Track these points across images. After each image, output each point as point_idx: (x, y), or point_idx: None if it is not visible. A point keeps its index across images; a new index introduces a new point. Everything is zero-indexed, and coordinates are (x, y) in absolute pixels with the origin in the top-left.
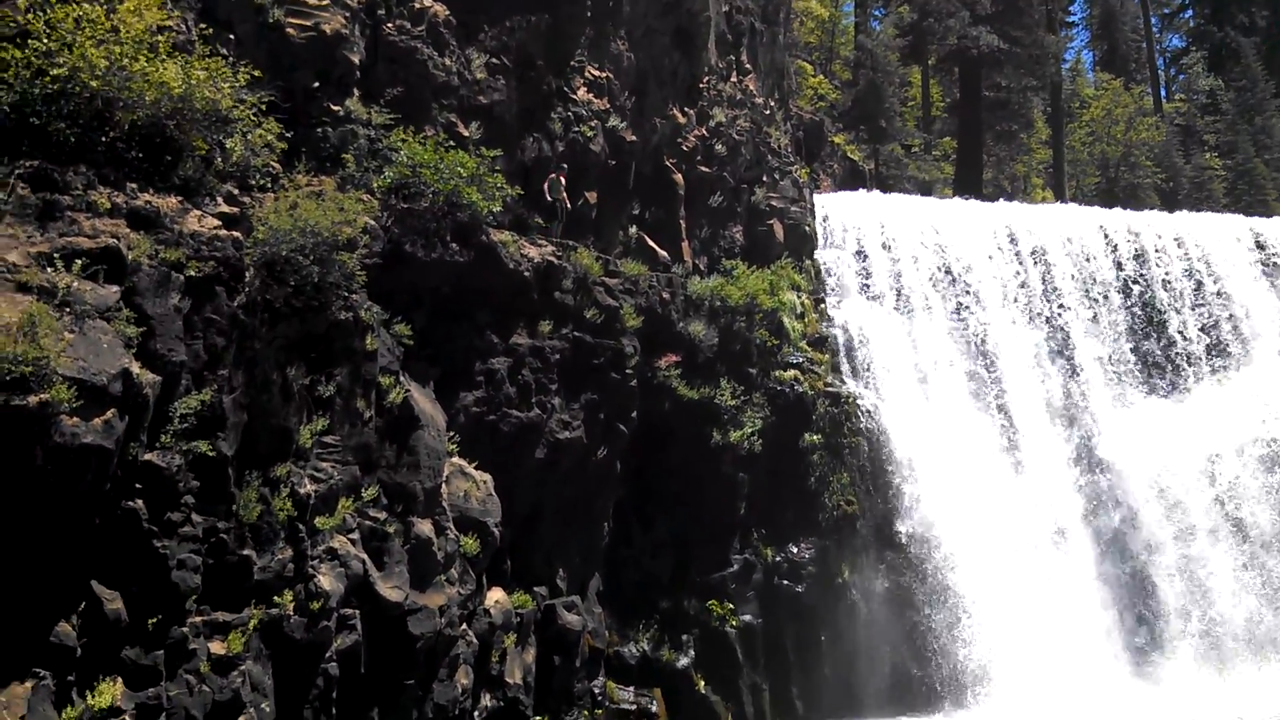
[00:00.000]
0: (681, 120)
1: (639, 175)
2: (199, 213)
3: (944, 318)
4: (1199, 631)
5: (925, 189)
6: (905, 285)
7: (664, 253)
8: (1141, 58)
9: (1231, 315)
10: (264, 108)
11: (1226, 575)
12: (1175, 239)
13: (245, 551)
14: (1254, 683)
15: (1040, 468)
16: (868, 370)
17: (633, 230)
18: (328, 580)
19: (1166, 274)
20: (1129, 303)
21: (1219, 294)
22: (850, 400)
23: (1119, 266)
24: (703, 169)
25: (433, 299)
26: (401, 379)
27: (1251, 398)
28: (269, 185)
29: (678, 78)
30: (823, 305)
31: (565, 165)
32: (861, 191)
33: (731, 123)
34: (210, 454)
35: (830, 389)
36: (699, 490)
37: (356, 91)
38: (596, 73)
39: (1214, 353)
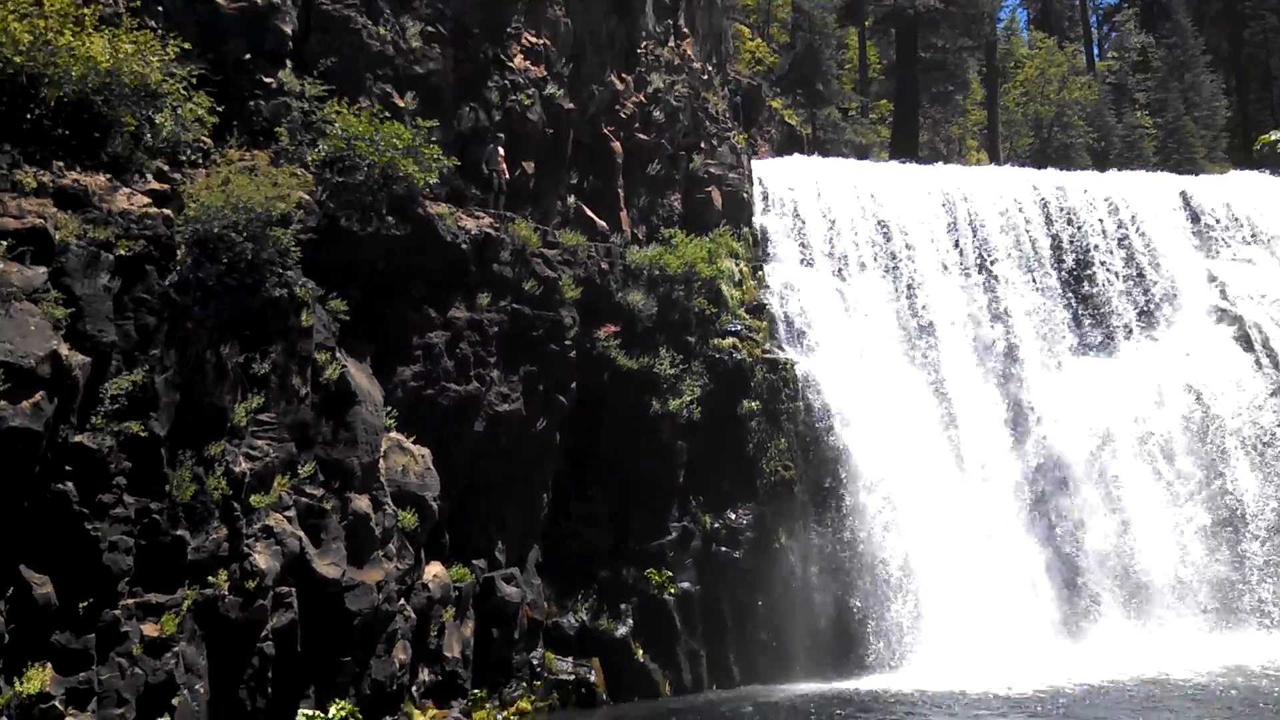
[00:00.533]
0: (620, 87)
1: (577, 144)
2: (128, 190)
3: (880, 281)
4: (1125, 587)
5: (862, 153)
6: (842, 250)
7: (602, 222)
8: (1075, 16)
9: (1160, 274)
10: (194, 81)
11: (1153, 530)
12: (1105, 199)
13: (179, 532)
14: (1178, 637)
15: (974, 427)
16: (805, 336)
17: (571, 200)
18: (263, 559)
19: (1098, 234)
20: (1061, 263)
21: (1148, 253)
22: (788, 367)
23: (1050, 225)
24: (641, 136)
25: (369, 273)
26: (338, 355)
27: (1179, 355)
28: (200, 161)
29: (615, 43)
30: (761, 272)
31: (502, 135)
32: (799, 156)
33: (670, 88)
34: (142, 434)
35: (768, 356)
36: (637, 459)
37: (289, 63)
38: (534, 39)
39: (1143, 312)
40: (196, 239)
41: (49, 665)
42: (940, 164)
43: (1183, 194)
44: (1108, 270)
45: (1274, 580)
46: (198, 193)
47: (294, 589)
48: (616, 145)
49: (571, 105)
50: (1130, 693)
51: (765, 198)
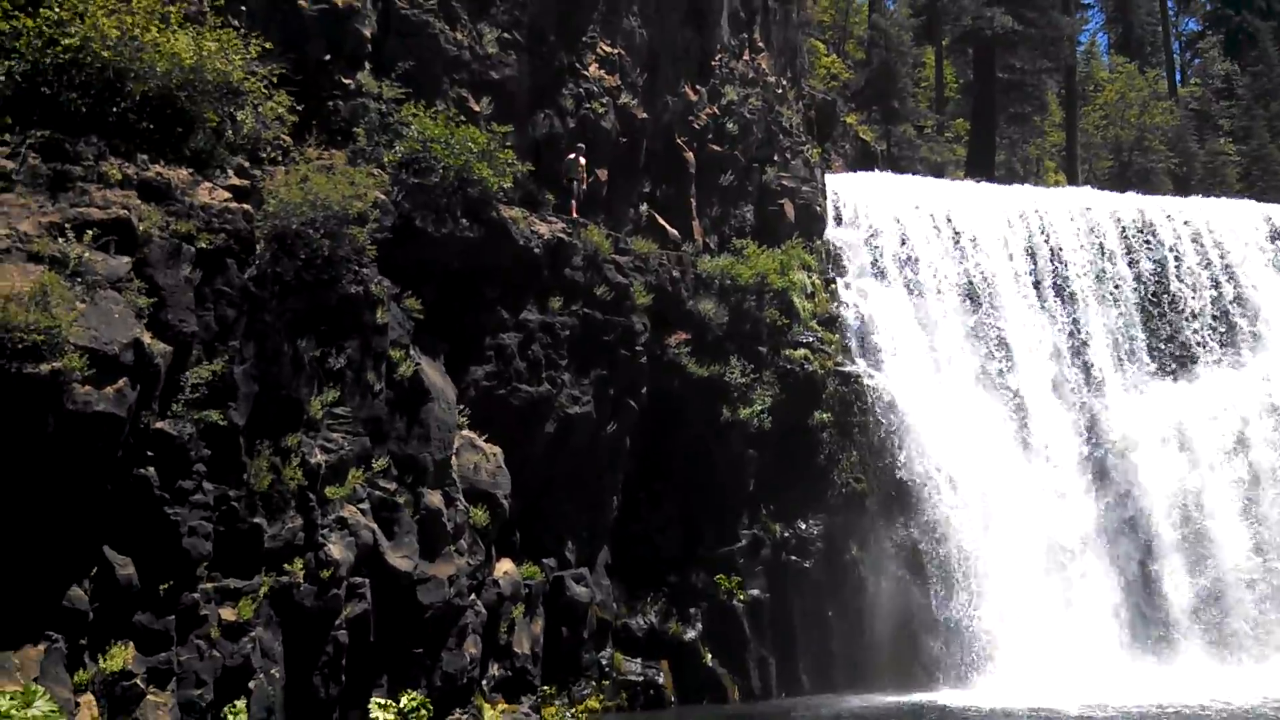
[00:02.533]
0: (693, 98)
1: (650, 153)
2: (209, 185)
3: (954, 299)
4: (1204, 617)
5: (937, 171)
6: (916, 266)
7: (674, 231)
8: (1157, 41)
9: (1244, 301)
10: (275, 80)
11: (1233, 562)
12: (1187, 223)
13: (256, 519)
14: (1257, 670)
15: (1048, 449)
16: (878, 350)
17: (643, 208)
18: (338, 549)
19: (1179, 259)
20: (1141, 287)
21: (1231, 279)
22: (860, 380)
23: (1130, 250)
24: (714, 147)
25: (443, 274)
26: (412, 352)
27: (1263, 382)
28: (279, 158)
29: (690, 55)
30: (833, 286)
31: (583, 145)
32: (874, 172)
33: (743, 101)
34: (221, 423)
35: (840, 368)
36: (708, 466)
37: (368, 65)
38: (609, 49)
39: (1225, 338)
40: (275, 234)
41: (131, 644)
42: (1017, 184)
43: (1268, 220)
44: (1190, 296)
45: None
46: (277, 189)
47: (367, 580)
48: (690, 155)
49: (645, 115)
50: (1207, 717)
51: (838, 212)
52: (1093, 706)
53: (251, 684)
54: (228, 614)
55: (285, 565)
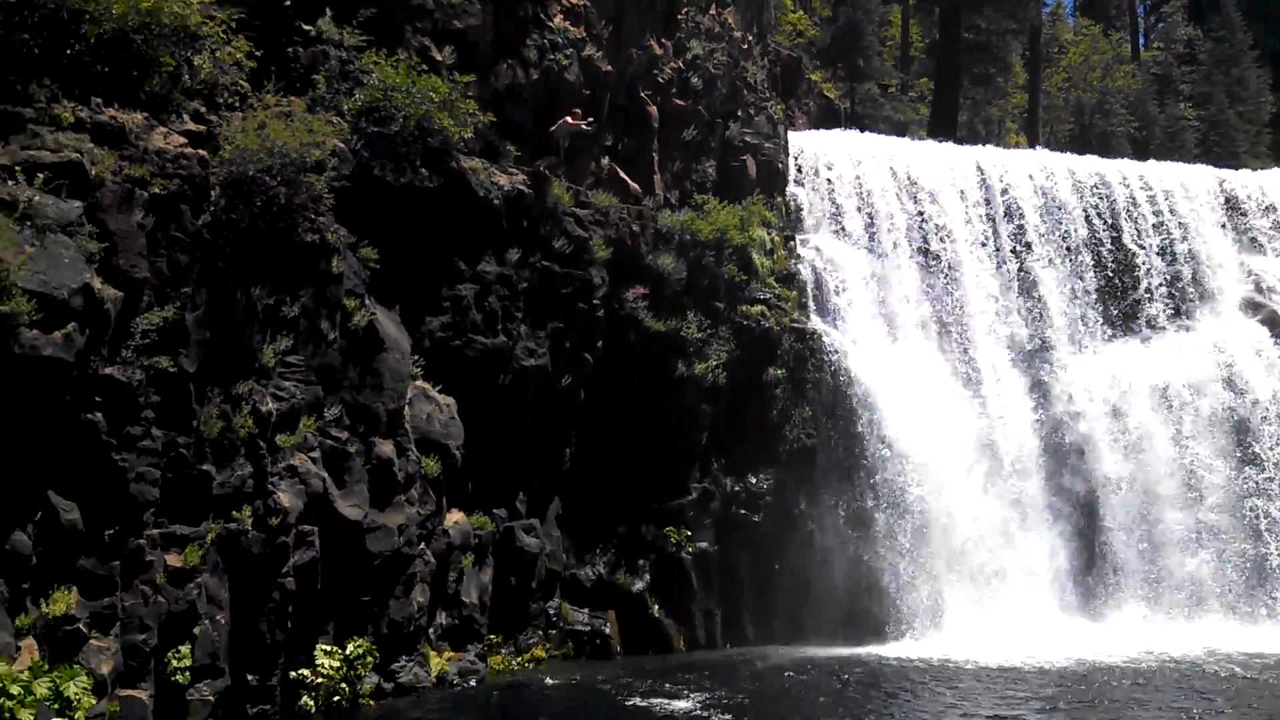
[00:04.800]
0: (658, 51)
1: (613, 106)
2: (165, 130)
3: (912, 257)
4: (1145, 576)
5: (900, 130)
6: (876, 225)
7: (635, 185)
8: (1122, 4)
9: (1196, 265)
10: (233, 25)
11: (1176, 524)
12: (1144, 187)
13: (205, 466)
14: (1198, 625)
15: (1001, 407)
16: (835, 308)
17: (605, 161)
18: (287, 497)
19: (1135, 222)
20: (1096, 249)
21: (1185, 244)
22: (816, 336)
23: (1087, 212)
24: (678, 102)
25: (401, 223)
26: (367, 302)
27: (1211, 345)
28: (237, 104)
29: (655, 8)
30: (792, 242)
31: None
32: (836, 130)
33: (708, 56)
34: (171, 370)
35: (796, 325)
36: (661, 420)
37: (329, 11)
38: (574, 0)
39: (1178, 303)
40: (231, 181)
41: (74, 589)
42: (979, 145)
43: (1222, 185)
44: (1143, 260)
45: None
46: (233, 135)
47: (316, 528)
48: (653, 110)
49: (609, 68)
50: (1146, 671)
51: (800, 169)
52: (1034, 660)
53: (196, 629)
54: (174, 560)
55: (234, 512)
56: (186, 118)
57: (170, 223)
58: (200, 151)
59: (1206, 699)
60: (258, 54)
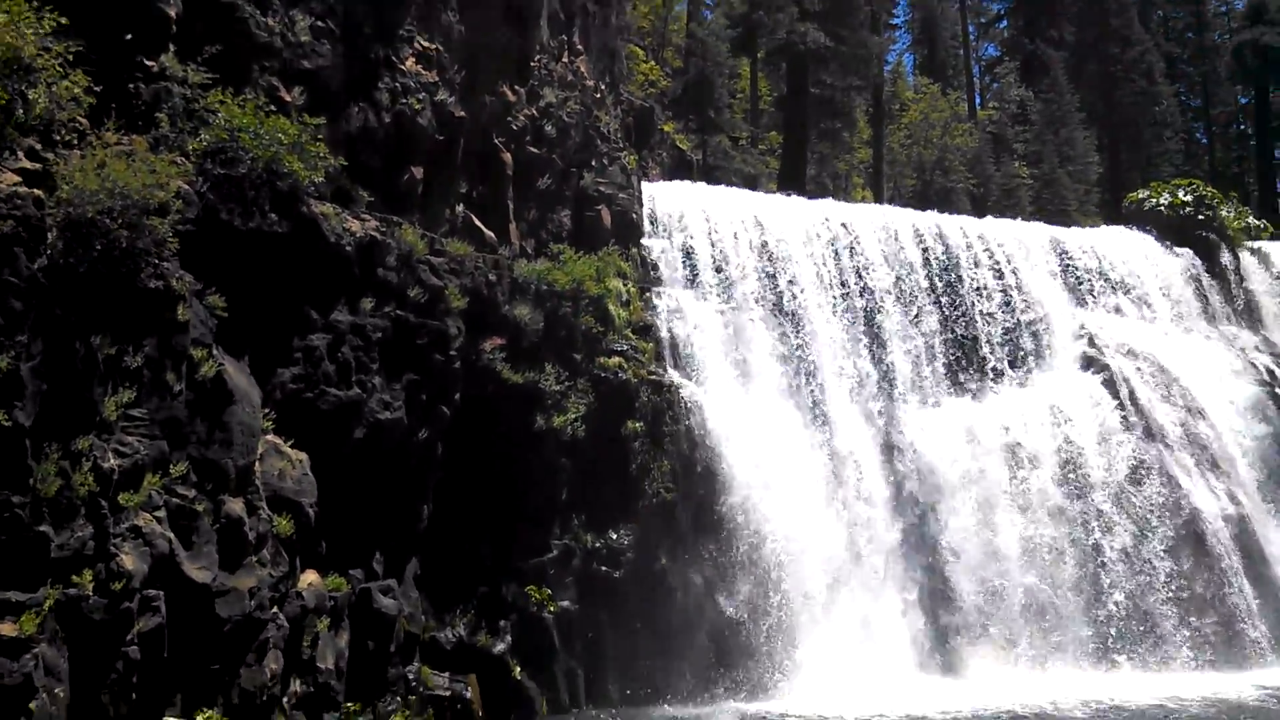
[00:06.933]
0: (512, 98)
1: (468, 152)
2: None
3: (764, 310)
4: (995, 623)
5: (751, 182)
6: (727, 277)
7: (491, 234)
8: (959, 64)
9: (1032, 320)
10: (71, 59)
11: (1017, 574)
12: (980, 239)
13: (42, 528)
14: (1038, 675)
15: (851, 458)
16: (689, 360)
17: (459, 209)
18: (131, 560)
19: (974, 277)
20: (939, 304)
21: (1022, 298)
22: (673, 389)
23: (929, 265)
24: (532, 149)
25: (249, 270)
26: (215, 352)
27: (1047, 401)
28: (75, 142)
29: (509, 54)
30: (648, 294)
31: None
32: (689, 181)
33: (562, 104)
34: (5, 424)
35: (653, 377)
36: (521, 475)
37: (172, 47)
38: (426, 44)
39: (1015, 357)
40: (69, 223)
41: None
42: (827, 198)
43: (1054, 241)
44: (982, 313)
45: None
46: (71, 174)
47: (162, 592)
48: (507, 157)
49: (463, 113)
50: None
51: (654, 220)
52: (890, 713)
53: (33, 704)
54: (8, 629)
55: (73, 577)
56: (21, 155)
57: (4, 267)
58: (36, 191)
59: None
60: (97, 89)
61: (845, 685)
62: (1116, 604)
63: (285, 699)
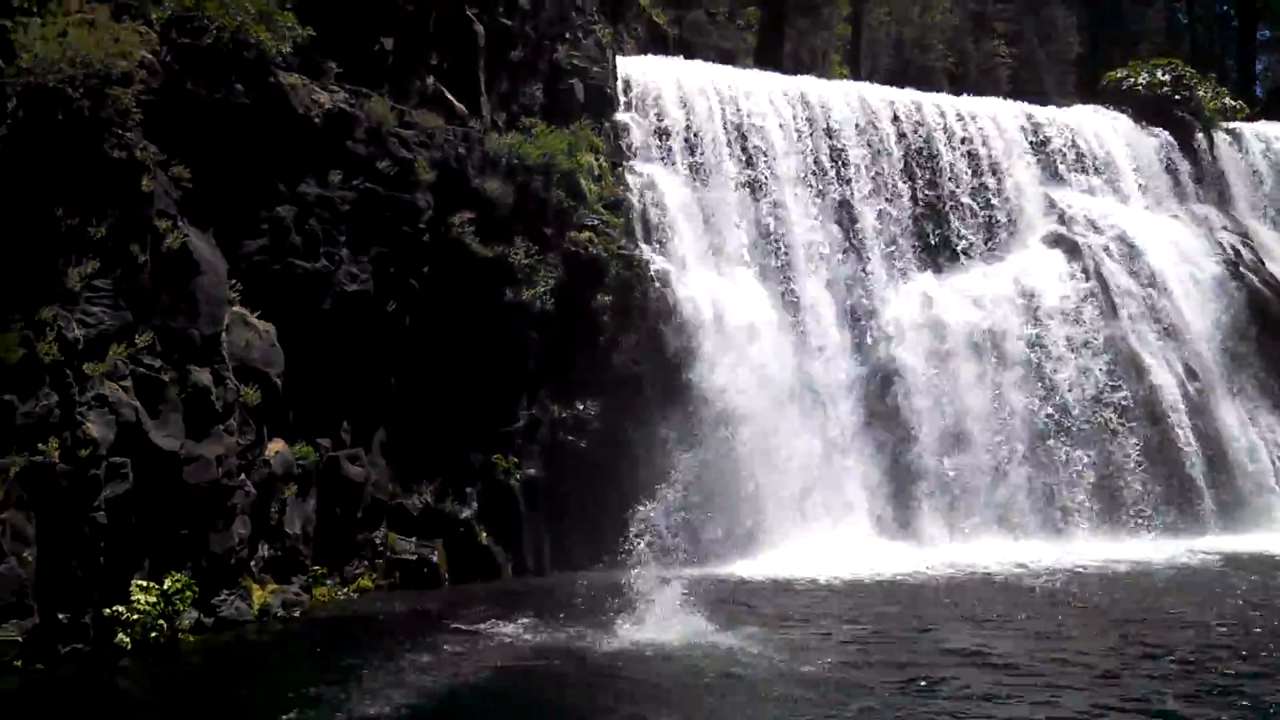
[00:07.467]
0: None
1: (439, 23)
2: None
3: (737, 185)
4: (950, 491)
5: (728, 58)
6: (701, 152)
7: (462, 106)
8: None
9: (1004, 198)
10: None
11: (981, 446)
12: (957, 116)
13: (7, 396)
14: (993, 544)
15: (819, 333)
16: (660, 235)
17: (430, 80)
18: (96, 428)
19: (948, 154)
20: (913, 180)
21: (995, 176)
22: (642, 264)
23: (904, 142)
24: (504, 21)
25: (215, 142)
26: (180, 223)
27: (1016, 276)
28: (36, 10)
29: None
30: (620, 169)
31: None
32: (664, 56)
33: None
34: None
35: (624, 251)
36: (489, 347)
37: None
38: None
39: (987, 234)
40: (29, 92)
41: None
42: (803, 75)
43: (1030, 118)
44: (955, 191)
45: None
46: (32, 43)
47: (129, 460)
48: (479, 28)
49: None
50: (942, 580)
51: (628, 95)
52: (853, 577)
53: (2, 568)
54: None
55: (39, 444)
56: None
57: None
58: None
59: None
60: None
61: (809, 552)
62: (1075, 474)
63: (253, 562)
